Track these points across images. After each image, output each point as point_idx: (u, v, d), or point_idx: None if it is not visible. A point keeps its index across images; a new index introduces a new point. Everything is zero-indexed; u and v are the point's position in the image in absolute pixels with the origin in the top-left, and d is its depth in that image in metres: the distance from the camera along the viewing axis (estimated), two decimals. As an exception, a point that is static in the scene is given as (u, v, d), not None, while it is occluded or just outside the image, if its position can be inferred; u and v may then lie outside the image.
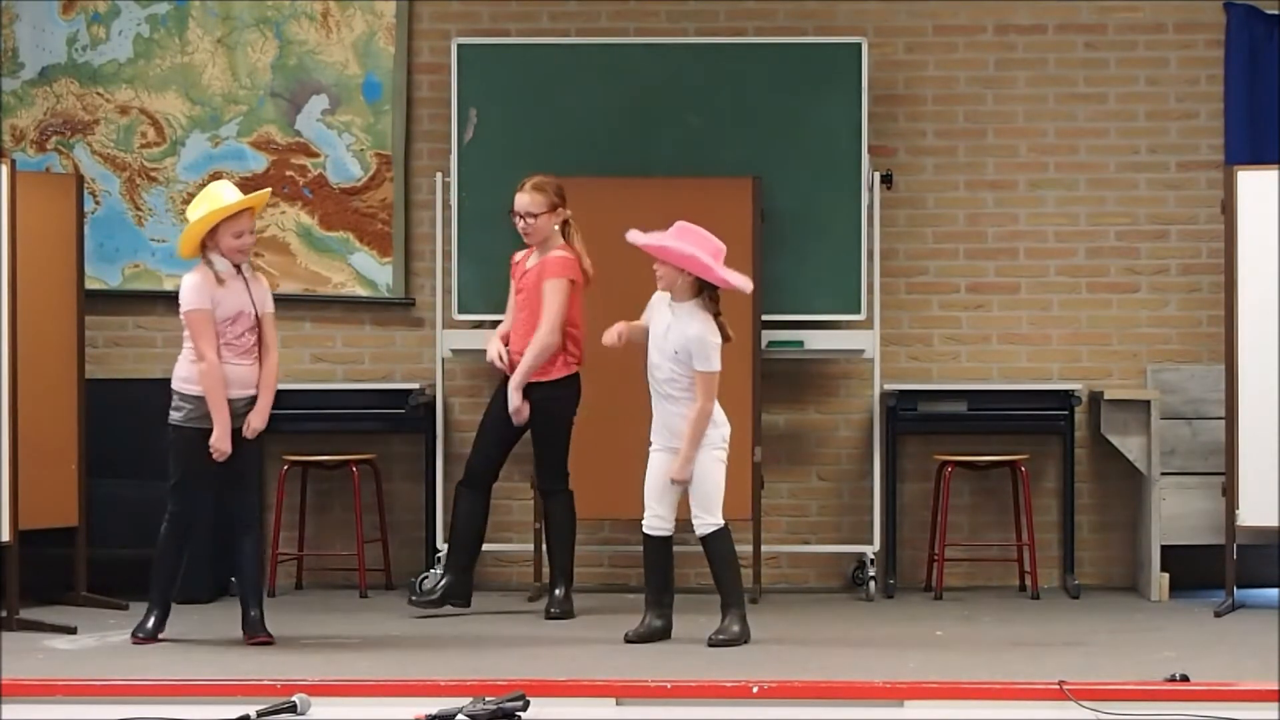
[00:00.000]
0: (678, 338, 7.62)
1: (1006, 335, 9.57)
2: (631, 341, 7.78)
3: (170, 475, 7.80)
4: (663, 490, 7.71)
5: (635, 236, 7.65)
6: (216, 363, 7.61)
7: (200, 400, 7.62)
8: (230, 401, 7.63)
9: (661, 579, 7.80)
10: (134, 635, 7.78)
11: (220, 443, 7.60)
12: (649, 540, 7.76)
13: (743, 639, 7.62)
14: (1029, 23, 9.55)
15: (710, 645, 7.57)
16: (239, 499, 7.81)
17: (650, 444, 7.75)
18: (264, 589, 7.89)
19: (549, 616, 8.38)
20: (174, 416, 7.72)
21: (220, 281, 7.64)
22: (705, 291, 7.65)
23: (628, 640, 7.69)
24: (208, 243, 7.66)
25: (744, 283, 7.74)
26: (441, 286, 9.33)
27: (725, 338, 7.68)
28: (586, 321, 8.42)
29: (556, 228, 8.34)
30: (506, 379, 8.37)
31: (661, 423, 7.72)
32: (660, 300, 7.74)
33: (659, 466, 7.72)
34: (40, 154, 9.68)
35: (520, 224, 8.35)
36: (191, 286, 7.65)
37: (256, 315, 7.71)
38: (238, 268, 7.70)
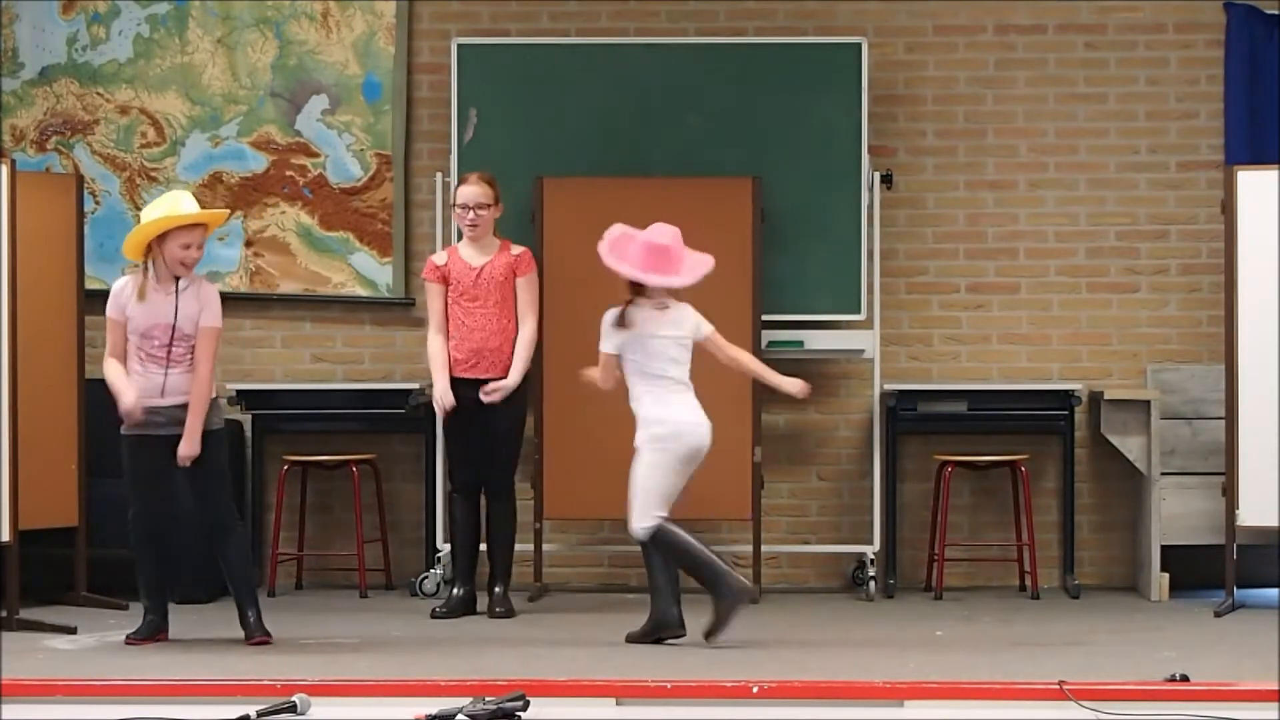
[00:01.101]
0: (674, 327, 7.66)
1: (1006, 335, 9.57)
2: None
3: None
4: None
5: (650, 236, 7.71)
6: (110, 363, 7.71)
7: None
8: (147, 410, 7.64)
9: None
10: (127, 637, 7.79)
11: (124, 409, 7.62)
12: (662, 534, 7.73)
13: (735, 609, 7.55)
14: (1029, 23, 9.55)
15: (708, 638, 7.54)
16: (205, 505, 7.80)
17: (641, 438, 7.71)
18: (255, 589, 7.84)
19: (494, 615, 8.36)
20: None
21: (141, 295, 7.64)
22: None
23: (630, 640, 7.68)
24: (154, 247, 7.65)
25: (633, 271, 7.70)
26: (441, 286, 9.33)
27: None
28: (586, 328, 8.50)
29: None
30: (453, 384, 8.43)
31: (678, 423, 7.65)
32: (623, 332, 7.72)
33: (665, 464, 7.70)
34: (40, 154, 9.68)
35: (469, 216, 8.46)
36: (112, 291, 7.77)
37: (175, 328, 7.64)
38: (176, 280, 7.68)
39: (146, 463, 7.70)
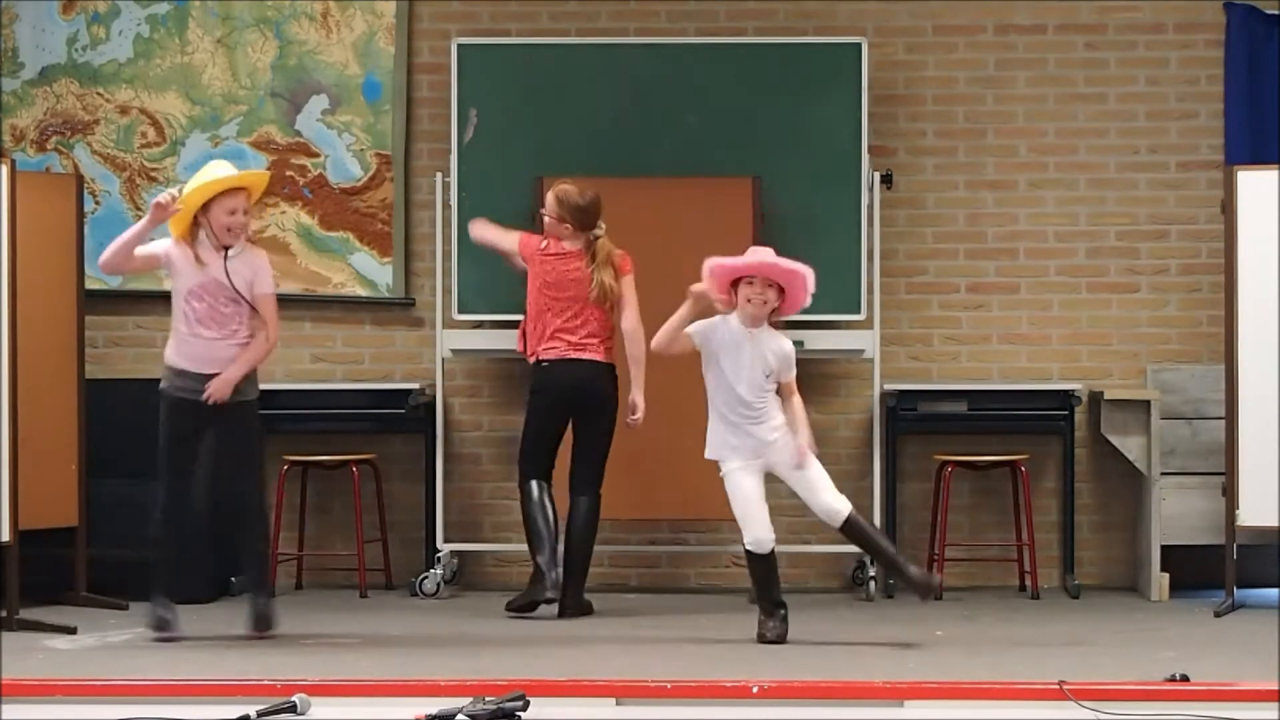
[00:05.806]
0: (769, 360, 7.65)
1: (1006, 335, 9.57)
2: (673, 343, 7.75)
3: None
4: (763, 502, 7.72)
5: (765, 254, 7.64)
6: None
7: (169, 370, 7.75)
8: (187, 374, 7.66)
9: (778, 584, 7.82)
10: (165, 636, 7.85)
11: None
12: (762, 557, 7.74)
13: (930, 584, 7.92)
14: (1029, 23, 9.55)
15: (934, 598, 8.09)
16: (234, 476, 7.80)
17: (726, 465, 7.70)
18: (261, 582, 7.90)
19: (572, 615, 8.35)
20: None
21: (198, 260, 7.61)
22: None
23: (763, 641, 7.71)
24: (200, 219, 7.64)
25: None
26: (441, 286, 9.33)
27: None
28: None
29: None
30: (538, 377, 8.39)
31: (754, 443, 7.65)
32: (712, 331, 7.68)
33: (754, 483, 7.71)
34: (40, 154, 9.68)
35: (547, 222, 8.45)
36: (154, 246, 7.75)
37: (233, 294, 7.64)
38: (226, 250, 7.67)
39: (183, 428, 7.67)
